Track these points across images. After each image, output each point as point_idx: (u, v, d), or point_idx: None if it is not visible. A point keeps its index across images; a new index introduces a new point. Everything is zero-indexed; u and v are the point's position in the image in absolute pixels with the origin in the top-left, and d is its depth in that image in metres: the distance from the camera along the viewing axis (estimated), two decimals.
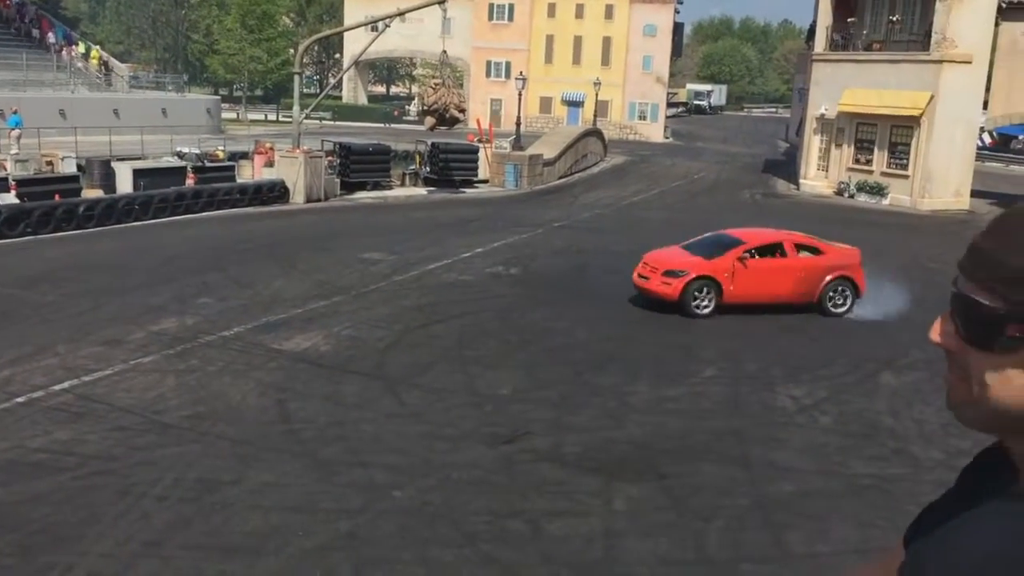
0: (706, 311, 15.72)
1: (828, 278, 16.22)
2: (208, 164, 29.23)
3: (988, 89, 34.76)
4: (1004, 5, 33.40)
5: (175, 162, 28.65)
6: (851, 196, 34.86)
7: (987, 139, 52.09)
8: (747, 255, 15.99)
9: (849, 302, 16.41)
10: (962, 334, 1.14)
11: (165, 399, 10.85)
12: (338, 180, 30.65)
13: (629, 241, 21.70)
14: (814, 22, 40.74)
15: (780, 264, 16.13)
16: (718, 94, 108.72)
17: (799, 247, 16.51)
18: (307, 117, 34.22)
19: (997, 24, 33.75)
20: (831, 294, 16.30)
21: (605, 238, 23.92)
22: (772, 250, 16.34)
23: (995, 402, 1.12)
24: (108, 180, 25.53)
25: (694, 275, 15.64)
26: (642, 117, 67.43)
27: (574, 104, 66.73)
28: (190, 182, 26.46)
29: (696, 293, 15.68)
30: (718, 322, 15.63)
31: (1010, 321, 1.09)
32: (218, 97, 60.66)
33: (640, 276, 16.31)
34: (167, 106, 47.42)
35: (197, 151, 31.97)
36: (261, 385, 11.52)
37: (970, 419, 1.16)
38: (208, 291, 16.29)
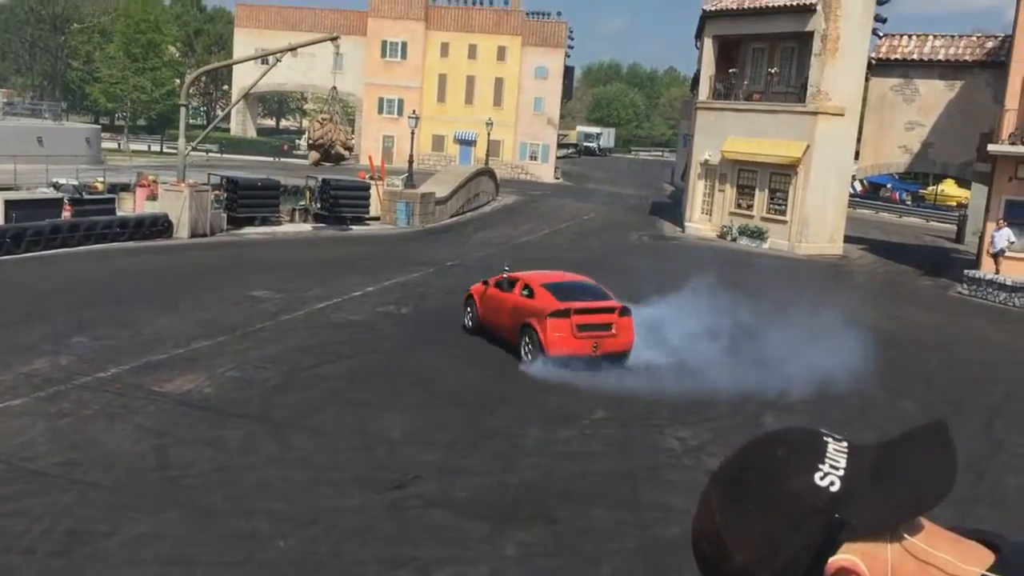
0: (468, 324, 17.51)
1: (521, 323, 15.50)
2: (86, 196, 28.17)
3: (859, 140, 36.59)
4: (873, 62, 35.34)
5: (50, 193, 27.52)
6: (733, 239, 36.04)
7: (859, 187, 54.71)
8: (488, 284, 17.13)
9: (532, 354, 15.09)
10: None
11: (35, 445, 10.29)
12: (225, 215, 29.96)
13: None
14: (698, 71, 42.25)
15: (501, 297, 16.39)
16: (607, 137, 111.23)
17: (524, 286, 16.07)
18: (193, 149, 33.43)
19: (867, 79, 35.67)
20: (522, 341, 15.42)
21: None
22: (512, 284, 16.38)
23: None
24: None
25: (467, 293, 17.80)
26: (533, 157, 68.35)
27: (466, 143, 67.20)
28: (66, 214, 25.44)
29: (466, 308, 17.67)
30: (607, 365, 15.83)
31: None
32: (98, 126, 58.68)
33: None
34: (43, 134, 45.59)
35: (75, 182, 30.77)
36: (139, 430, 11.07)
37: None
38: (84, 329, 15.61)
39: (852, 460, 1.12)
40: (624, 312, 15.40)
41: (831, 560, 1.08)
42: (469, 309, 17.53)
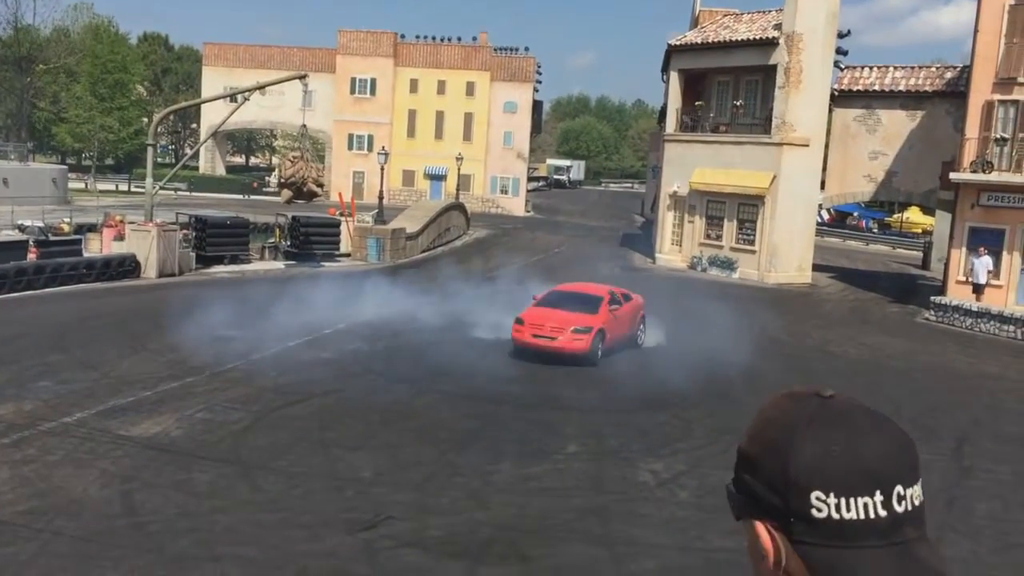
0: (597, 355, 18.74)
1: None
2: (52, 237, 27.90)
3: (825, 169, 37.08)
4: (836, 93, 35.92)
5: (15, 235, 27.21)
6: (704, 270, 36.28)
7: (826, 216, 55.36)
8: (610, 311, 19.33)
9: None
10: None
11: None
12: (193, 254, 29.76)
13: (491, 314, 21.80)
14: (665, 104, 42.73)
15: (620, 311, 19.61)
16: (577, 169, 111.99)
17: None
18: (162, 188, 33.27)
19: (831, 111, 36.23)
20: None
21: (468, 312, 23.93)
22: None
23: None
24: None
25: (591, 333, 18.59)
26: (504, 191, 68.62)
27: (437, 178, 67.40)
28: (32, 256, 25.13)
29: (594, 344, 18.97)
30: (582, 398, 15.83)
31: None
32: (65, 167, 58.28)
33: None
34: (8, 175, 45.23)
35: (40, 224, 30.49)
36: (106, 475, 10.88)
37: None
38: (49, 373, 15.38)
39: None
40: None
41: (760, 523, 1.20)
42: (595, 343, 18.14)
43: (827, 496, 1.12)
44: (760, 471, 1.18)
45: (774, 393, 1.26)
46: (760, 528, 1.19)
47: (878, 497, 1.12)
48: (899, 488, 1.14)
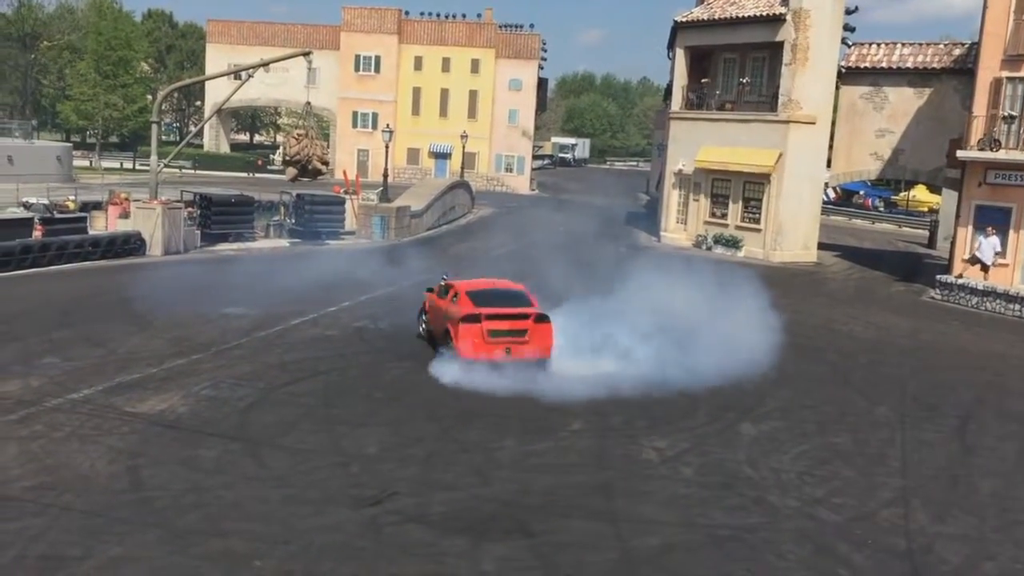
0: (422, 332, 17.85)
1: (443, 327, 16.10)
2: (58, 215, 27.90)
3: (831, 147, 36.88)
4: (843, 70, 35.67)
5: (21, 213, 27.21)
6: (709, 248, 36.19)
7: (832, 194, 55.11)
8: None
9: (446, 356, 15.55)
10: None
11: (6, 469, 10.17)
12: (198, 232, 29.78)
13: None
14: (670, 82, 42.48)
15: (438, 305, 16.68)
16: (582, 147, 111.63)
17: (454, 293, 16.27)
18: (166, 166, 33.24)
19: (837, 88, 35.99)
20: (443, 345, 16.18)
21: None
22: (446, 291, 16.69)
23: None
24: None
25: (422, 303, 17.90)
26: (509, 169, 68.49)
27: (442, 156, 67.26)
28: (37, 234, 25.18)
29: (420, 316, 18.15)
30: (583, 375, 15.81)
31: None
32: (70, 144, 58.28)
33: None
34: (13, 153, 45.23)
35: (46, 201, 30.48)
36: (112, 451, 10.95)
37: None
38: (56, 350, 15.45)
39: None
40: (541, 319, 15.34)
41: None
42: (424, 317, 17.85)
43: None
44: None
45: None
46: None
47: None
48: None
